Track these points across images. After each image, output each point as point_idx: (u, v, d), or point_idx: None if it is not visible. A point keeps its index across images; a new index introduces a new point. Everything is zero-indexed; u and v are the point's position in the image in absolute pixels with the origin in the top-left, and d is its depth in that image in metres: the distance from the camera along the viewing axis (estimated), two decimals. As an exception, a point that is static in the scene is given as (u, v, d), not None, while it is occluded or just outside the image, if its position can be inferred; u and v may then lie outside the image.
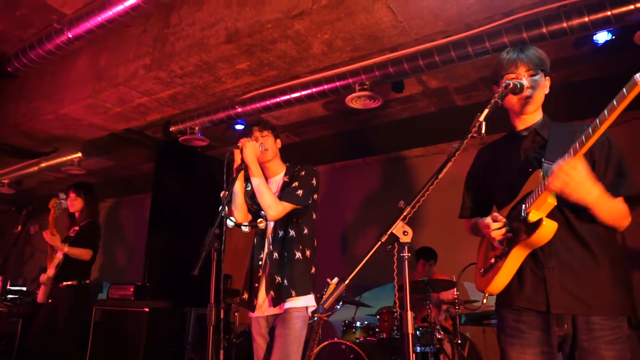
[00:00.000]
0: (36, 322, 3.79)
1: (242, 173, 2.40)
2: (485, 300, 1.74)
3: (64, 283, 3.78)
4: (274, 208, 2.29)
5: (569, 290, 1.52)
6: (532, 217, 1.50)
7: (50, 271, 3.75)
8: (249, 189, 2.50)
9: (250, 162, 2.32)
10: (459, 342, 3.54)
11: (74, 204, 3.97)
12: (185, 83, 3.85)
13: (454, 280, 3.70)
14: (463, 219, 1.98)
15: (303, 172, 2.45)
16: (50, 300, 3.80)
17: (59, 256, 3.81)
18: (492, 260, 1.64)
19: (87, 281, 3.88)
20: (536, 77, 1.64)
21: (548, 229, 1.47)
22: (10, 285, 6.22)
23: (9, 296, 5.47)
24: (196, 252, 1.89)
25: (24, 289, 6.22)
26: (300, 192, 2.37)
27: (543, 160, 1.57)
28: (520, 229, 1.55)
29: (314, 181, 2.44)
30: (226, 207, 2.08)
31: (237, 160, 2.35)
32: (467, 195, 1.94)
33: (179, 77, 3.75)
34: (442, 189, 1.85)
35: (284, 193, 2.39)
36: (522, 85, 1.58)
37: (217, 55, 3.41)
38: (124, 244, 7.81)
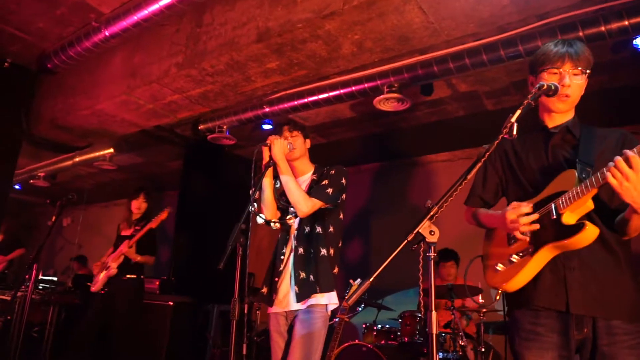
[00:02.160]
0: (91, 310, 4.03)
1: (270, 170, 2.42)
2: (498, 297, 1.70)
3: (127, 276, 4.07)
4: (304, 204, 2.30)
5: (590, 292, 1.48)
6: (566, 219, 1.45)
7: (114, 265, 4.04)
8: (277, 186, 2.51)
9: (279, 159, 2.33)
10: (483, 350, 3.47)
11: (141, 206, 4.28)
12: (215, 81, 3.91)
13: (479, 286, 3.63)
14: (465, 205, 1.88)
15: (333, 171, 2.46)
16: (103, 291, 4.04)
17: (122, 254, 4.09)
18: (514, 258, 1.58)
19: (143, 276, 4.24)
20: (579, 77, 1.60)
21: (590, 233, 1.41)
22: (42, 275, 6.46)
23: (41, 285, 5.68)
24: (221, 249, 1.91)
25: (55, 279, 6.44)
26: (330, 190, 2.37)
27: (577, 160, 1.52)
28: (548, 228, 1.49)
29: (343, 181, 2.44)
30: (255, 204, 2.09)
31: (266, 158, 2.37)
32: (479, 183, 1.85)
33: (210, 76, 3.82)
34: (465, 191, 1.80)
35: (314, 190, 2.40)
36: (556, 88, 1.54)
37: (248, 54, 3.46)
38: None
